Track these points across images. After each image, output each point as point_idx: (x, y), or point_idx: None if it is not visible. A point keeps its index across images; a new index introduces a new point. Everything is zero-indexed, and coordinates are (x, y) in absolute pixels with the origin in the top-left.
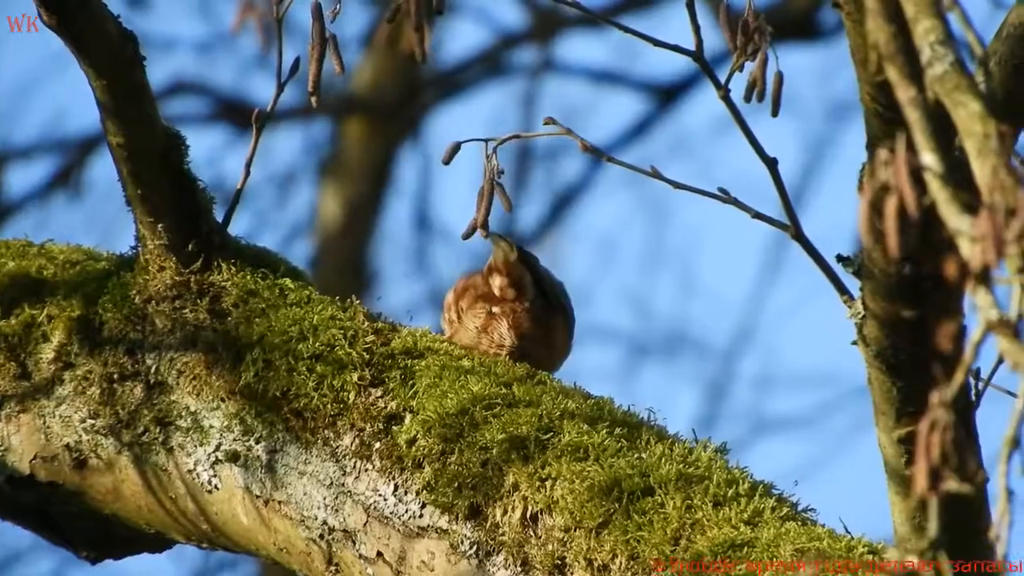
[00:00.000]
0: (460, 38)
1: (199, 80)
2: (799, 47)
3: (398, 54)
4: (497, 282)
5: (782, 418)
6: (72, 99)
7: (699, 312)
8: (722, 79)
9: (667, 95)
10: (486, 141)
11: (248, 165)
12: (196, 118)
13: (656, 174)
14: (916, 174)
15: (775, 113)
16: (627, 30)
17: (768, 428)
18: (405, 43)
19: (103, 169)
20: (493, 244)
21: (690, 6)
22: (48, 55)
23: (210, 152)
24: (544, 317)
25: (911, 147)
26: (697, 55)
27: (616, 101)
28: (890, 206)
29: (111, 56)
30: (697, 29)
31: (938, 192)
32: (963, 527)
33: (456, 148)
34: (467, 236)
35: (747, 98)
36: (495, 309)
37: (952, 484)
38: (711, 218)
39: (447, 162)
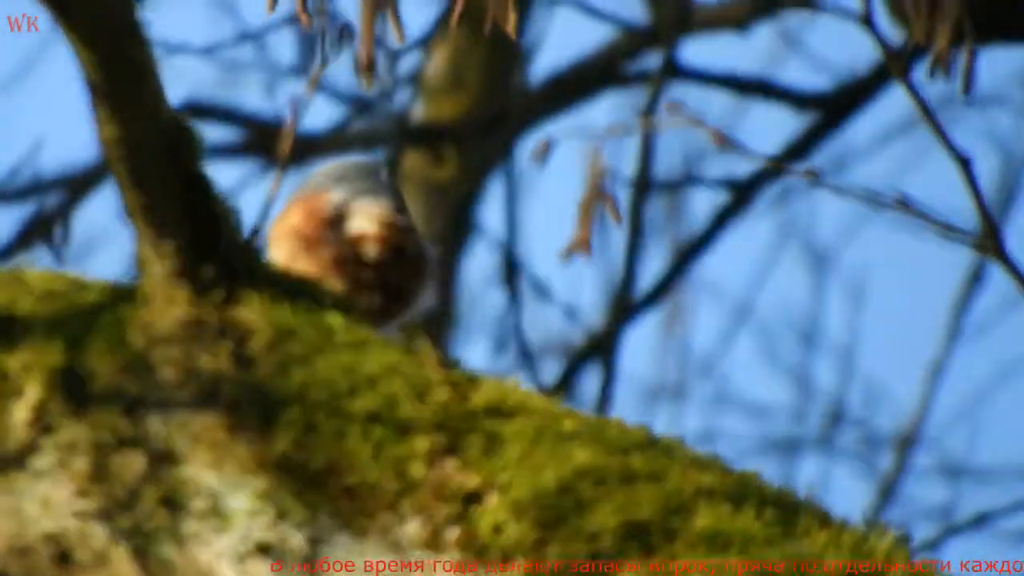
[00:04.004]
0: (561, 39)
1: (217, 100)
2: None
3: (477, 62)
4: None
5: (976, 514)
6: (54, 124)
7: (863, 385)
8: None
9: (825, 106)
10: (590, 141)
11: (284, 163)
12: (216, 149)
13: (811, 175)
14: None
15: (966, 89)
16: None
17: (957, 526)
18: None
19: (93, 214)
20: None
21: None
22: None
23: (233, 188)
24: None
25: None
26: (865, 19)
27: (759, 115)
28: None
29: (103, 21)
30: None
31: None
32: None
33: (549, 146)
34: (567, 256)
35: (931, 73)
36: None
37: None
38: (881, 261)
39: (539, 161)
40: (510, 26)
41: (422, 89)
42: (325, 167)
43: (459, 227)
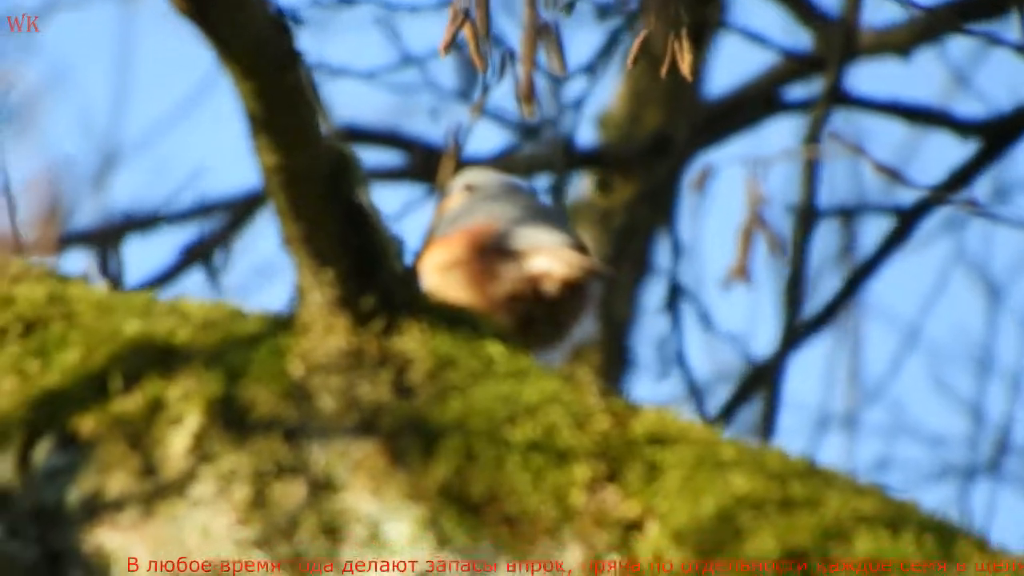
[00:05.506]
0: (726, 66)
1: (382, 125)
2: None
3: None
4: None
5: None
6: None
7: None
8: None
9: (990, 134)
10: (751, 165)
11: (442, 184)
12: (380, 173)
13: (970, 206)
14: None
15: None
16: (960, 30)
17: None
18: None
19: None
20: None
21: None
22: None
23: (397, 213)
24: None
25: None
26: None
27: (934, 141)
28: None
29: (262, 53)
30: None
31: None
32: None
33: (708, 172)
34: (726, 284)
35: None
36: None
37: None
38: None
39: (698, 188)
40: (686, 67)
41: (601, 125)
42: (464, 180)
43: (625, 255)
